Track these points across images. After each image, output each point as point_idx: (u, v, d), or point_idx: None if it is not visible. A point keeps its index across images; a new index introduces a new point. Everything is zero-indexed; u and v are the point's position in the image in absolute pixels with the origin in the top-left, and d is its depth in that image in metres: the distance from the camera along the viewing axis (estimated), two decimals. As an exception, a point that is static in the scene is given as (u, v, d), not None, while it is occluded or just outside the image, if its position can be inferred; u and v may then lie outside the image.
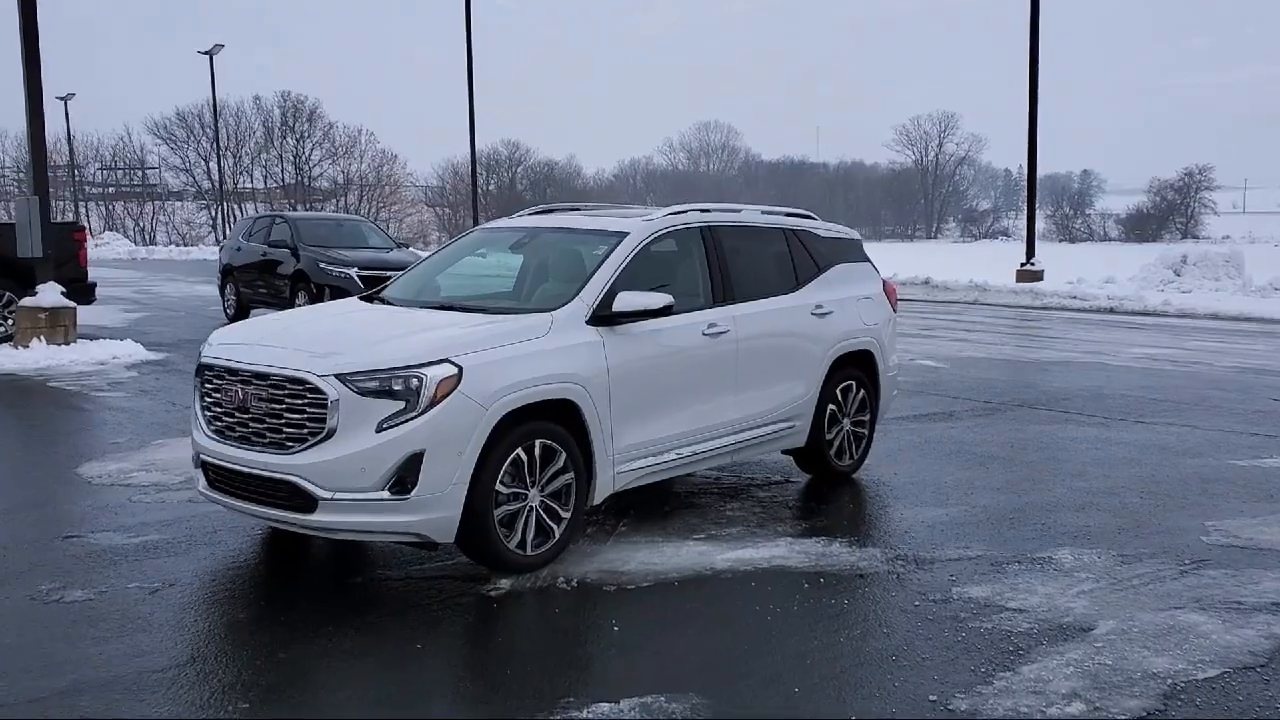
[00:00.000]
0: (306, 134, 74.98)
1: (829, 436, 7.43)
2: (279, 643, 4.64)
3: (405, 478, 5.09)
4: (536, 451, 5.50)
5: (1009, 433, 9.38)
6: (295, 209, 62.03)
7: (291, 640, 4.67)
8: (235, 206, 66.94)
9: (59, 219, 66.64)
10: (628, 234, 6.37)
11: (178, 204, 76.25)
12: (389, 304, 6.52)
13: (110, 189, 77.11)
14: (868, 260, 8.11)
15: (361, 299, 6.77)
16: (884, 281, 8.16)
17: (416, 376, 5.15)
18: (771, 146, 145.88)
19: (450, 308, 6.16)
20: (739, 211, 7.28)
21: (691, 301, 6.57)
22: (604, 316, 5.90)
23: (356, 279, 16.04)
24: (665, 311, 6.00)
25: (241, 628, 4.86)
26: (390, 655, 4.54)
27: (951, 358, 14.41)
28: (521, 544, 5.45)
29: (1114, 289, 24.64)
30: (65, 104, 60.02)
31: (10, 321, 13.63)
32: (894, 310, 8.14)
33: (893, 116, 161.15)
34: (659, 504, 6.88)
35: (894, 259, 32.61)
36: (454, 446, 5.17)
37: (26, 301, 13.02)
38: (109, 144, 76.40)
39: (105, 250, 53.60)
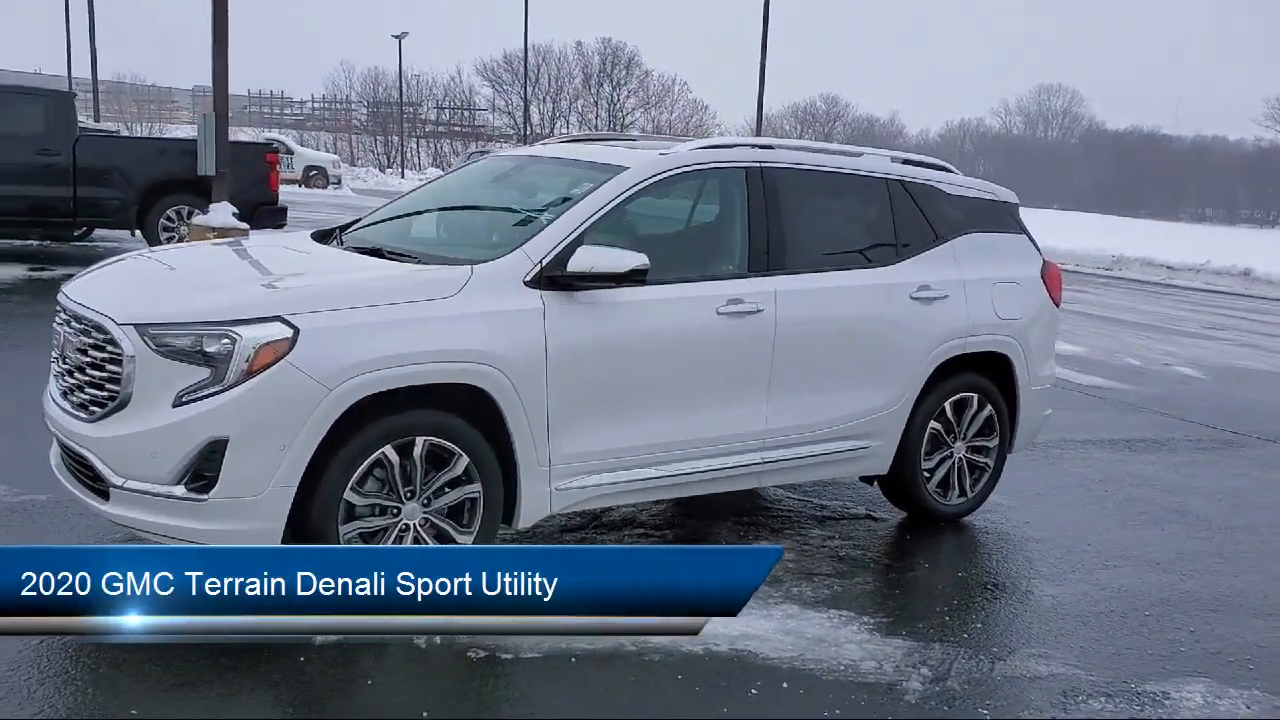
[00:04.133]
0: (623, 81, 75.34)
1: (927, 465, 5.52)
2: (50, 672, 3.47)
3: (205, 472, 3.79)
4: (418, 452, 4.06)
5: (1230, 478, 6.98)
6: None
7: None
8: (549, 151, 68.20)
9: (386, 156, 70.46)
10: (625, 169, 4.75)
11: (500, 145, 78.80)
12: (339, 243, 5.19)
13: (441, 127, 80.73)
14: (1023, 232, 6.03)
15: (314, 236, 5.47)
16: (1045, 262, 6.06)
17: (228, 336, 3.81)
18: (1121, 116, 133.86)
19: (379, 252, 4.76)
20: (853, 156, 5.49)
21: (715, 266, 4.90)
22: (556, 278, 4.34)
23: None
24: (634, 277, 4.35)
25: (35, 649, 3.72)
26: None
27: (1221, 367, 11.61)
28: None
29: None
30: (399, 42, 62.46)
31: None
32: (1057, 303, 6.03)
33: (1268, 88, 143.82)
34: (668, 525, 5.25)
35: (1216, 243, 28.41)
36: (273, 436, 3.81)
37: (198, 219, 12.73)
38: (441, 84, 79.84)
39: (422, 185, 55.98)
